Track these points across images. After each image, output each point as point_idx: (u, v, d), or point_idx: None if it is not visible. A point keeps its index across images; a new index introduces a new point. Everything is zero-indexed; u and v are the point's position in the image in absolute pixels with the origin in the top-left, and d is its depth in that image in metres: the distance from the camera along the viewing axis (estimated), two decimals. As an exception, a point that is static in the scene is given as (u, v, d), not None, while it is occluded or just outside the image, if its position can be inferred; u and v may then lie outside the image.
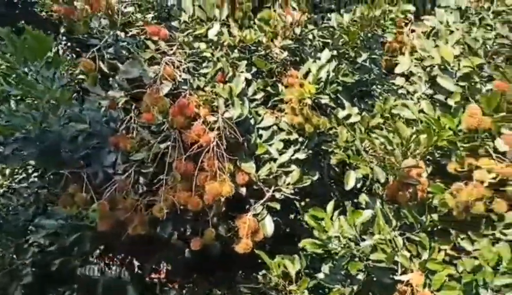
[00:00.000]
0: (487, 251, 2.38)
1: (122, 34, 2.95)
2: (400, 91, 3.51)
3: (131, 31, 2.97)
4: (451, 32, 3.09)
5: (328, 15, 3.70)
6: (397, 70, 3.60)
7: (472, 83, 2.81)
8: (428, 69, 3.14)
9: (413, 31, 4.24)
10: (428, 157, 2.72)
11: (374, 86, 3.42)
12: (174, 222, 3.11)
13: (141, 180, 3.08)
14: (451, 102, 2.80)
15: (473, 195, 2.45)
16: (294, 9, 3.47)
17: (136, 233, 2.86)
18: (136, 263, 4.14)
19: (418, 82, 3.17)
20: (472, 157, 2.59)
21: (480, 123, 2.59)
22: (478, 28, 3.10)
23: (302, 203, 3.48)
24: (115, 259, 4.33)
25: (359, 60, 3.20)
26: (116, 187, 2.83)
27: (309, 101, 2.87)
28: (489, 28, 3.08)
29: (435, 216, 2.66)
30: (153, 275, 4.44)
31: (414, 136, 2.43)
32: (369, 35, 3.18)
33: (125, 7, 2.95)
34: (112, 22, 2.80)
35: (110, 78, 3.15)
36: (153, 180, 2.99)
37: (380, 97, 3.31)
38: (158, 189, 2.87)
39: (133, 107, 3.19)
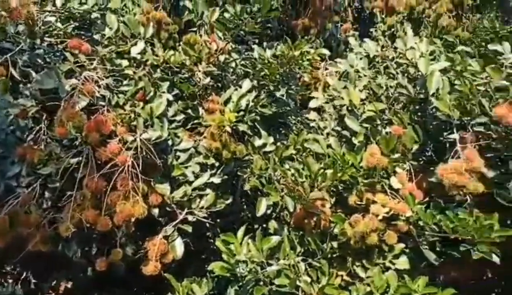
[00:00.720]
0: (377, 279, 2.62)
1: (40, 43, 2.83)
2: (312, 124, 3.75)
3: (49, 41, 2.85)
4: (360, 77, 3.40)
5: (253, 46, 3.87)
6: (311, 104, 3.88)
7: (374, 125, 3.11)
8: (338, 108, 3.42)
9: (326, 69, 4.61)
10: (332, 189, 2.94)
11: (290, 118, 3.62)
12: (79, 240, 3.00)
13: (47, 194, 2.94)
14: (355, 140, 3.07)
15: (369, 227, 2.70)
16: (220, 38, 3.58)
17: (37, 249, 2.72)
18: (33, 280, 3.88)
19: (329, 119, 3.43)
20: (370, 192, 2.86)
21: (379, 162, 2.87)
22: (382, 76, 3.45)
23: (215, 226, 3.54)
24: (9, 275, 4.03)
25: (278, 94, 3.40)
26: (19, 201, 2.67)
27: (228, 129, 2.97)
28: (391, 76, 3.44)
29: (335, 244, 2.87)
30: (50, 292, 4.19)
31: (321, 170, 2.62)
32: (287, 71, 3.39)
33: (45, 17, 2.83)
34: (30, 30, 2.67)
35: (21, 86, 2.99)
36: (60, 195, 2.86)
37: (295, 130, 3.51)
38: (64, 205, 2.76)
39: (43, 118, 3.05)
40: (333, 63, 4.53)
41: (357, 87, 3.33)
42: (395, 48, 3.63)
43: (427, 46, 3.16)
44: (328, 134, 3.37)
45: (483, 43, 4.02)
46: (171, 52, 3.55)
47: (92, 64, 2.88)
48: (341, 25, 5.69)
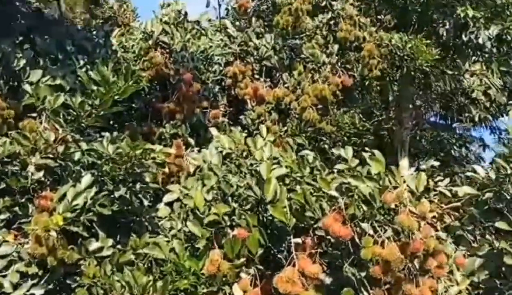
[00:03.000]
0: None
1: None
2: (161, 222, 3.92)
3: None
4: (214, 173, 3.72)
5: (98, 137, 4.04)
6: (165, 199, 4.09)
7: (219, 229, 3.40)
8: (185, 207, 3.67)
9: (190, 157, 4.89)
10: (170, 299, 3.09)
11: (142, 217, 3.76)
12: None
13: None
14: (198, 244, 3.32)
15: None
16: (61, 126, 3.68)
17: None
18: None
19: (176, 219, 3.66)
20: (211, 301, 3.07)
21: (220, 270, 3.13)
22: (234, 175, 3.81)
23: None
24: None
25: (116, 193, 3.54)
26: None
27: (54, 234, 3.02)
28: (243, 176, 3.82)
29: None
30: None
31: (150, 283, 2.78)
32: (131, 170, 3.57)
33: None
34: None
35: None
36: None
37: (138, 231, 3.65)
38: None
39: None
40: (195, 153, 4.91)
41: (205, 186, 3.64)
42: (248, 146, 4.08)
43: (271, 150, 3.62)
44: (173, 236, 3.58)
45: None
46: (2, 140, 3.57)
47: None
48: (210, 111, 6.14)
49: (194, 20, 7.29)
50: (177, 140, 5.19)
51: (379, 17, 6.42)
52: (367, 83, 6.46)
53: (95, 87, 3.46)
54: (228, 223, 3.48)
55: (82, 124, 3.61)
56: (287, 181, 3.56)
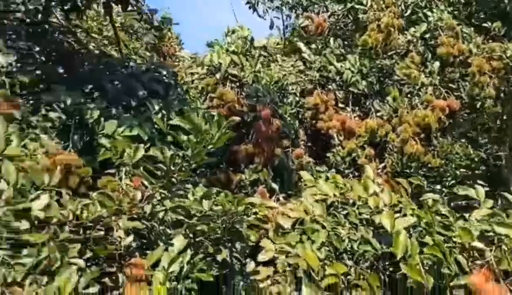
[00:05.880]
0: None
1: None
2: (262, 285, 3.98)
3: None
4: (317, 229, 3.75)
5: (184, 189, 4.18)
6: (260, 258, 4.14)
7: (338, 292, 3.41)
8: (292, 268, 3.70)
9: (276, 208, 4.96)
10: None
11: (234, 282, 3.83)
12: None
13: None
14: (317, 313, 3.33)
15: None
16: (151, 183, 3.83)
17: None
18: None
19: (283, 283, 3.70)
20: None
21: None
22: (343, 227, 3.83)
23: None
24: None
25: (219, 257, 3.63)
26: None
27: (158, 309, 3.14)
28: (354, 227, 3.83)
29: None
30: None
31: None
32: (229, 228, 3.67)
33: None
34: None
35: None
36: None
37: (240, 296, 3.71)
38: None
39: None
40: (285, 201, 4.94)
41: (315, 243, 3.67)
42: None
43: (390, 196, 3.62)
44: (283, 304, 3.61)
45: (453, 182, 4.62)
46: (83, 203, 3.76)
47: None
48: (292, 151, 6.23)
49: (261, 46, 7.49)
50: (260, 188, 5.30)
51: (484, 24, 6.36)
52: (478, 104, 6.36)
53: (185, 137, 3.61)
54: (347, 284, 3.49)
55: (173, 180, 3.76)
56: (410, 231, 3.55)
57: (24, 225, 3.32)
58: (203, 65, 6.87)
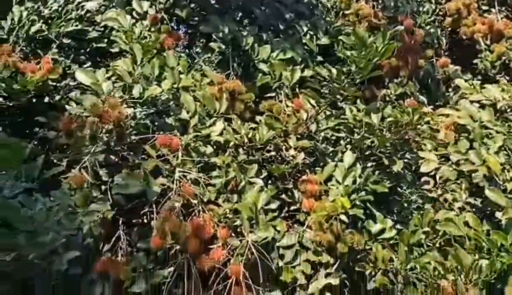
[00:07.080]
0: None
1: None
2: (431, 195, 4.01)
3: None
4: (490, 134, 3.67)
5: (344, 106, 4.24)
6: (423, 169, 4.14)
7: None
8: (467, 175, 3.68)
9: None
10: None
11: (402, 191, 3.90)
12: None
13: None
14: (501, 216, 3.31)
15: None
16: (317, 102, 3.93)
17: None
18: None
19: (457, 190, 3.69)
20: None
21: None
22: (512, 132, 3.72)
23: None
24: None
25: (394, 168, 3.68)
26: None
27: (344, 218, 3.28)
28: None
29: None
30: None
31: (475, 262, 2.86)
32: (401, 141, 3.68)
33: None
34: (121, 133, 3.12)
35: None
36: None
37: (414, 208, 3.77)
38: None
39: (120, 222, 3.46)
40: (439, 111, 4.83)
41: (490, 148, 3.60)
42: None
43: None
44: (460, 209, 3.62)
45: None
46: (252, 129, 3.95)
47: (176, 157, 3.29)
48: (437, 60, 6.01)
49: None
50: (408, 101, 5.23)
51: None
52: None
53: (348, 53, 3.62)
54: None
55: (338, 97, 3.83)
56: None
57: (209, 149, 3.57)
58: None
